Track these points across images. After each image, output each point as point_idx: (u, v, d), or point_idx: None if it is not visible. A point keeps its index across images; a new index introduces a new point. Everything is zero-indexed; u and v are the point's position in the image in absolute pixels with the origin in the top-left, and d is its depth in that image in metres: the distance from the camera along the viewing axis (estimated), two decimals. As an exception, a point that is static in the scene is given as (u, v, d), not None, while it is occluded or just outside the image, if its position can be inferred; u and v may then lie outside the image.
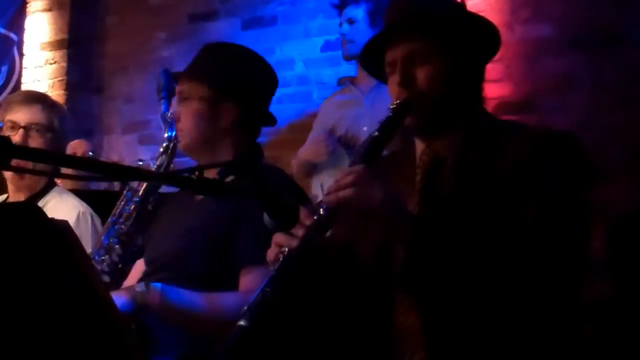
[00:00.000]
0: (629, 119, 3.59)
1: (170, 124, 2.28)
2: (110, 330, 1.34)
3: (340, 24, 3.75)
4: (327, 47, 4.52)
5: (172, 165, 2.30)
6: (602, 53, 3.71)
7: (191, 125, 2.22)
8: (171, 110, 2.25)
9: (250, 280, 2.05)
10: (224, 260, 2.09)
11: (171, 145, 2.26)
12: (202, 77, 2.24)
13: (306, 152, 3.69)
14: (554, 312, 1.61)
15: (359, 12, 3.65)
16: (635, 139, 3.57)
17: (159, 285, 1.98)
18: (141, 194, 2.27)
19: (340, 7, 3.76)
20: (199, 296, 2.02)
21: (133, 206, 2.27)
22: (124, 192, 2.29)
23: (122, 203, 2.29)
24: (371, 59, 1.82)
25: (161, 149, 2.28)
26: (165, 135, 2.30)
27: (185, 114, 2.23)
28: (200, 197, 2.24)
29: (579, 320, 1.65)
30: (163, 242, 2.26)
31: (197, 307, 2.00)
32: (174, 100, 2.31)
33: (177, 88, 2.29)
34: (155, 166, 2.26)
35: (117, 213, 2.29)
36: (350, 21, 3.68)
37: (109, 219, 2.29)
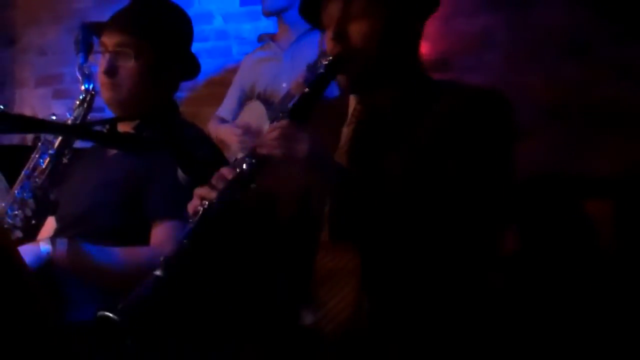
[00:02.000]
0: (541, 80, 3.70)
1: (88, 77, 2.25)
2: (17, 285, 1.32)
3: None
4: (246, 1, 4.47)
5: (87, 118, 2.27)
6: (516, 13, 3.79)
7: (134, 82, 2.19)
8: (106, 65, 2.18)
9: (161, 234, 2.05)
10: (135, 215, 2.08)
11: (88, 97, 2.24)
12: (149, 36, 2.20)
13: (224, 132, 3.61)
14: (471, 263, 1.65)
15: (280, -33, 3.63)
16: (546, 99, 3.68)
17: (64, 240, 1.96)
18: (56, 147, 2.23)
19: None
20: (114, 250, 2.01)
21: (47, 159, 2.23)
22: (39, 144, 2.24)
23: (37, 156, 2.25)
24: (310, 10, 1.79)
25: (77, 102, 2.24)
26: (83, 87, 2.26)
27: (129, 70, 2.19)
28: (114, 151, 2.21)
29: (492, 273, 1.71)
30: (75, 197, 2.23)
31: (113, 261, 1.99)
32: (98, 54, 2.24)
33: (114, 40, 2.21)
34: (71, 118, 2.23)
35: (31, 166, 2.24)
36: (271, -24, 3.64)
37: (23, 172, 2.24)
